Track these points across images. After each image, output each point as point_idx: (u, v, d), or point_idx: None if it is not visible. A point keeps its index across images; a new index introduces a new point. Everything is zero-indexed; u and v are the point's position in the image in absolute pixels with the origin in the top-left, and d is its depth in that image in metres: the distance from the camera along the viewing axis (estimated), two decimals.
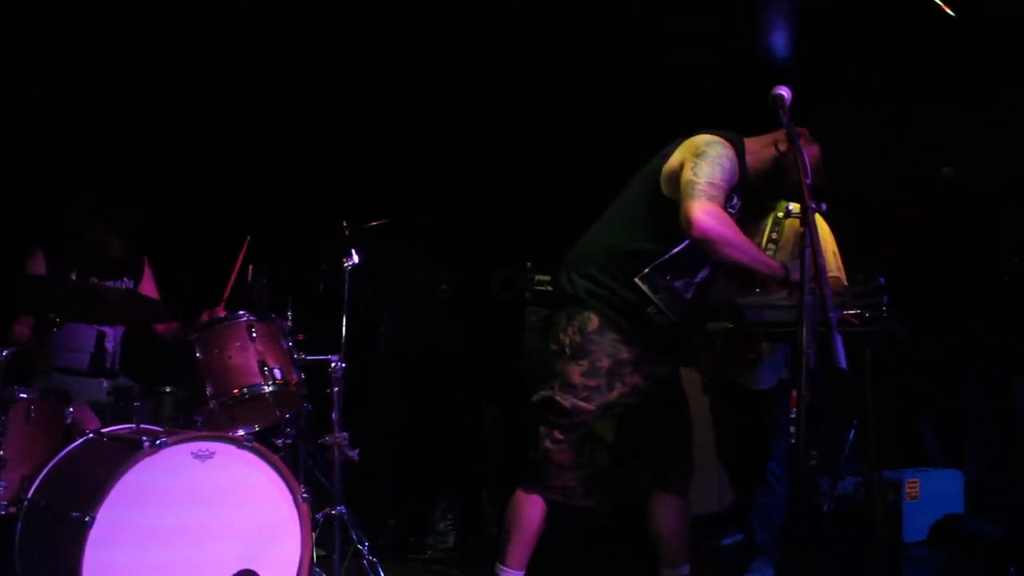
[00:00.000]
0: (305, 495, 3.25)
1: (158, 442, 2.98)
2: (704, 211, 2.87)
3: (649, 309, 3.12)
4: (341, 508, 3.76)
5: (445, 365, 5.04)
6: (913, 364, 5.23)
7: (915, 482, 5.03)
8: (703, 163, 2.96)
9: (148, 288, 4.17)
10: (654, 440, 3.23)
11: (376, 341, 4.74)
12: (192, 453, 3.06)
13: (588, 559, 4.70)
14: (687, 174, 2.96)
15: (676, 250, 3.07)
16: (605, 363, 3.10)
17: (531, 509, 3.20)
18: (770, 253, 4.12)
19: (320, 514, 3.80)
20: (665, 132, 3.21)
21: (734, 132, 3.11)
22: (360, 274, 4.01)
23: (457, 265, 5.24)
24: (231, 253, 3.83)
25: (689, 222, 2.88)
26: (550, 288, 4.97)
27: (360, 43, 4.85)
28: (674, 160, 3.07)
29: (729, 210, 3.06)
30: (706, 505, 5.04)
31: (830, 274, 4.17)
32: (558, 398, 3.11)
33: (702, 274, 3.16)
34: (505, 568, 3.21)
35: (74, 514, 2.84)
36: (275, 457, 3.21)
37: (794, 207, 3.25)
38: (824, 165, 3.03)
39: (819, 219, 4.32)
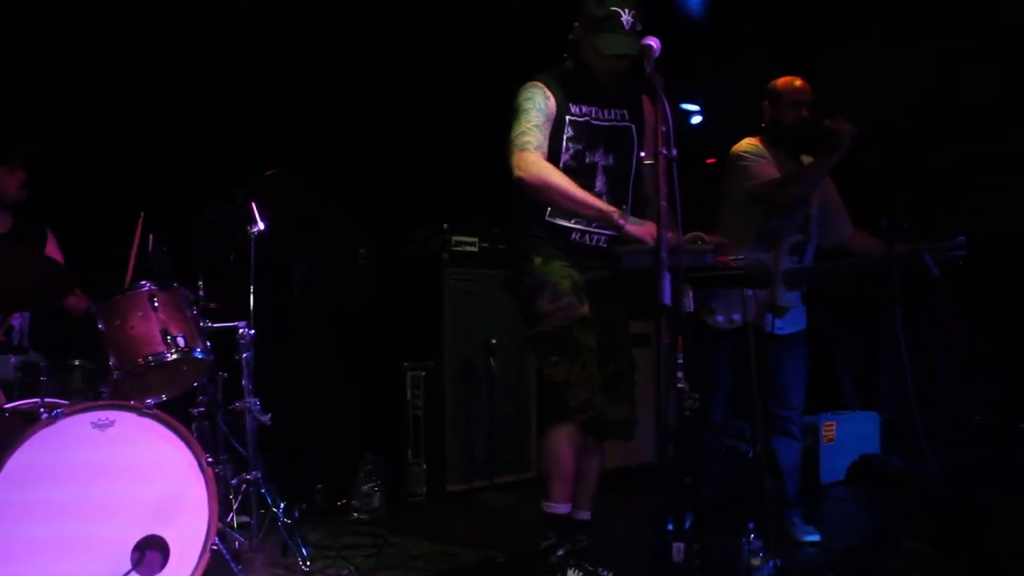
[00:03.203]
0: (210, 460, 3.27)
1: (54, 413, 2.98)
2: (517, 165, 3.12)
3: (573, 236, 3.26)
4: (256, 473, 3.80)
5: (364, 327, 5.06)
6: (828, 309, 5.32)
7: (831, 425, 5.18)
8: (514, 118, 3.21)
9: (53, 256, 4.09)
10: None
11: (289, 305, 4.73)
12: (92, 423, 3.06)
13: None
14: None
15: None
16: (566, 284, 3.24)
17: (562, 444, 3.20)
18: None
19: (235, 479, 3.85)
20: None
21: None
22: (272, 239, 4.02)
23: (374, 227, 5.23)
24: (128, 227, 3.78)
25: (512, 179, 3.11)
26: (469, 248, 5.02)
27: None
28: None
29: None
30: (638, 456, 5.14)
31: None
32: (540, 328, 3.24)
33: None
34: (551, 503, 3.23)
35: None
36: (178, 423, 3.21)
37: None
38: (597, 52, 3.13)
39: None
